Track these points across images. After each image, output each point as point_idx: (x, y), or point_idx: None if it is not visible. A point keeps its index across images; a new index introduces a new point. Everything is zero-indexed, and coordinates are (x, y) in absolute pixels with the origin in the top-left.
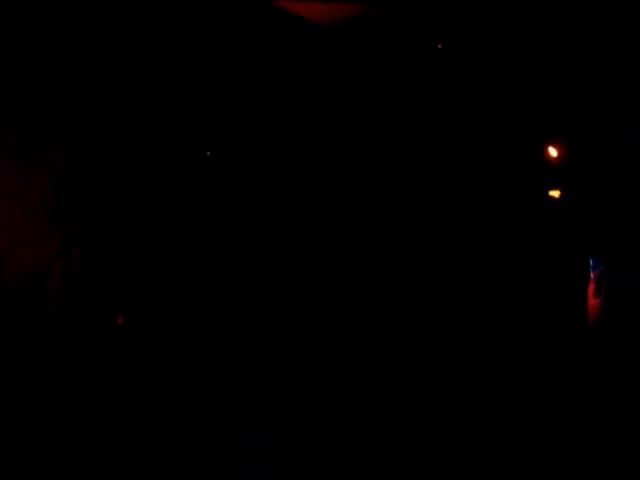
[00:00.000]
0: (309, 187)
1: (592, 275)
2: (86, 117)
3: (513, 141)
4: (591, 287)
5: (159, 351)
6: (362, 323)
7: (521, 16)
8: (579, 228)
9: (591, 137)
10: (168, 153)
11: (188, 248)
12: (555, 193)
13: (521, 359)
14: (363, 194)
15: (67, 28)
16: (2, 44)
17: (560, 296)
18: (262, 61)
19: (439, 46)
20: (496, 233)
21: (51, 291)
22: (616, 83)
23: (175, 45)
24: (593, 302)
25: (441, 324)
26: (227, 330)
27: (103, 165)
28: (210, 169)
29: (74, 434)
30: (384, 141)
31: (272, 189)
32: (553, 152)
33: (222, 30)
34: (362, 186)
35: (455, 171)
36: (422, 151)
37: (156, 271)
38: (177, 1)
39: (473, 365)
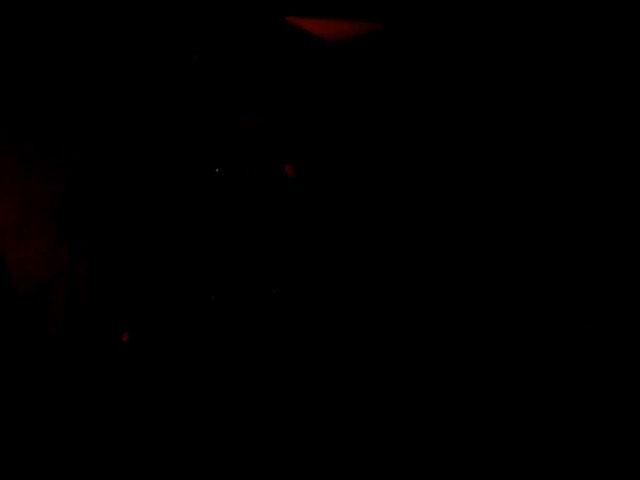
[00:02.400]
0: (312, 196)
1: None
2: (94, 130)
3: None
4: None
5: (164, 369)
6: (360, 323)
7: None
8: None
9: None
10: (176, 169)
11: (195, 265)
12: None
13: None
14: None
15: (77, 41)
16: (12, 54)
17: None
18: (270, 76)
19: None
20: None
21: (55, 306)
22: None
23: (184, 58)
24: None
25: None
26: (235, 350)
27: (111, 180)
28: (218, 184)
29: (73, 449)
30: (388, 157)
31: (276, 202)
32: None
33: (232, 44)
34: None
35: None
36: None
37: (163, 287)
38: (188, 14)
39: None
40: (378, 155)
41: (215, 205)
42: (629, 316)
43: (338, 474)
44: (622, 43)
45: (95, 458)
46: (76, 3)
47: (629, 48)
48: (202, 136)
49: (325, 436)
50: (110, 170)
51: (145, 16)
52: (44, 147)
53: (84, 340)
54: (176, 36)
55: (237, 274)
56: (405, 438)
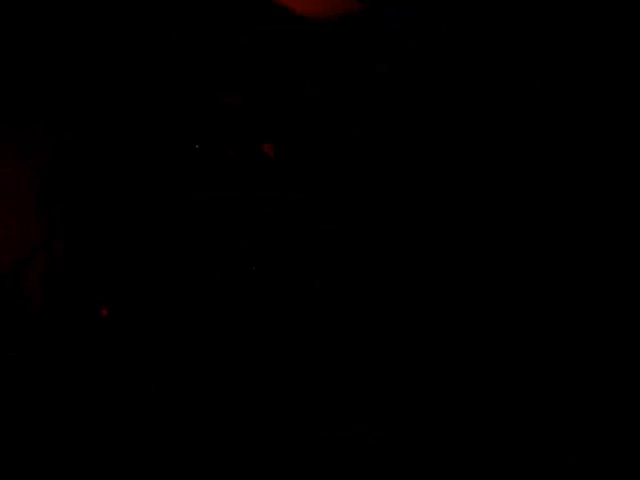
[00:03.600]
0: (302, 185)
1: None
2: (73, 107)
3: None
4: None
5: (144, 343)
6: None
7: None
8: None
9: None
10: (155, 145)
11: (173, 240)
12: None
13: None
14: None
15: (56, 23)
16: None
17: None
18: (253, 56)
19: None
20: None
21: (34, 282)
22: None
23: (164, 38)
24: None
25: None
26: (215, 325)
27: (89, 156)
28: (197, 162)
29: (56, 428)
30: (374, 137)
31: (262, 186)
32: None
33: (212, 23)
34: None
35: None
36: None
37: (141, 262)
38: None
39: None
40: (360, 136)
41: (193, 182)
42: None
43: (337, 474)
44: (622, 43)
45: (78, 438)
46: None
47: (629, 49)
48: (180, 113)
49: (325, 435)
50: (88, 146)
51: None
52: (21, 124)
53: (64, 315)
54: (155, 13)
55: (215, 249)
56: (401, 439)
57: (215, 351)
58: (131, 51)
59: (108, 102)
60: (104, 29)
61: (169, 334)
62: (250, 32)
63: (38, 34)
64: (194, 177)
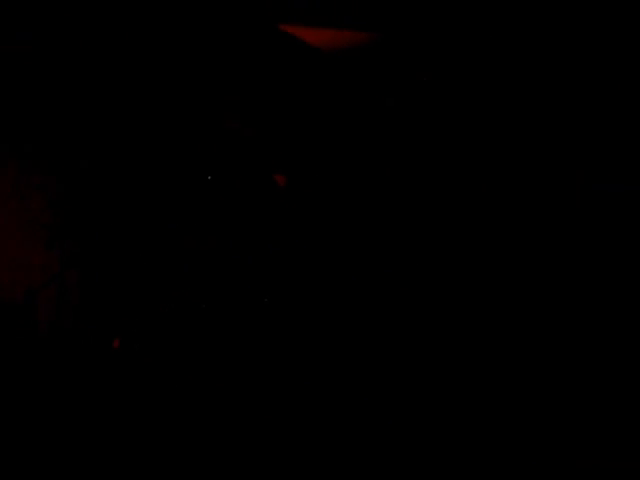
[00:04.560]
0: (304, 206)
1: None
2: (85, 137)
3: None
4: None
5: (156, 375)
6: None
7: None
8: None
9: None
10: (166, 175)
11: (187, 272)
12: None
13: None
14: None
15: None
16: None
17: None
18: (265, 85)
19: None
20: None
21: (46, 314)
22: None
23: (177, 67)
24: None
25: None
26: (228, 357)
27: (102, 187)
28: (209, 192)
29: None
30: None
31: (268, 211)
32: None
33: (226, 51)
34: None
35: None
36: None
37: (155, 294)
38: (181, 20)
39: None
40: (372, 167)
41: (206, 213)
42: None
43: (335, 474)
44: (622, 44)
45: (84, 459)
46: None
47: (629, 49)
48: (191, 144)
49: (324, 435)
50: (101, 177)
51: (136, 17)
52: (36, 154)
53: (75, 346)
54: (168, 40)
55: (229, 282)
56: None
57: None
58: (143, 78)
59: (124, 132)
60: (119, 56)
61: (183, 368)
62: (264, 62)
63: (50, 61)
64: (209, 209)
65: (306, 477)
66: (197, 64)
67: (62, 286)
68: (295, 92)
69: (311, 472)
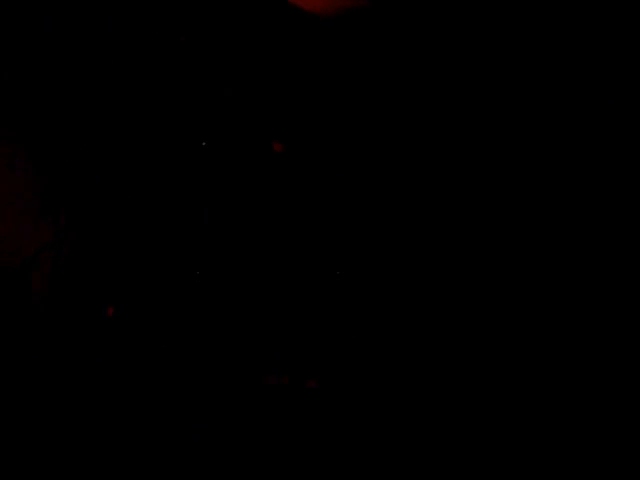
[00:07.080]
0: (305, 183)
1: None
2: (79, 107)
3: None
4: None
5: (149, 343)
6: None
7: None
8: None
9: None
10: (162, 144)
11: (181, 241)
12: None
13: None
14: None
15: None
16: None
17: None
18: (259, 52)
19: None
20: None
21: (40, 283)
22: None
23: (170, 37)
24: None
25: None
26: (219, 322)
27: (96, 156)
28: (204, 161)
29: (59, 425)
30: (377, 137)
31: (266, 184)
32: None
33: (218, 21)
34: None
35: None
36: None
37: (148, 263)
38: None
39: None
40: (368, 134)
41: (201, 182)
42: None
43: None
44: (622, 44)
45: (79, 433)
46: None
47: (629, 50)
48: (188, 112)
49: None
50: (96, 148)
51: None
52: (33, 128)
53: (69, 313)
54: (162, 14)
55: (220, 251)
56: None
57: (217, 352)
58: (139, 53)
59: (117, 100)
60: (113, 34)
61: (172, 334)
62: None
63: (50, 42)
64: (202, 184)
65: (306, 477)
66: (190, 31)
67: (56, 256)
68: (290, 57)
69: (311, 472)
